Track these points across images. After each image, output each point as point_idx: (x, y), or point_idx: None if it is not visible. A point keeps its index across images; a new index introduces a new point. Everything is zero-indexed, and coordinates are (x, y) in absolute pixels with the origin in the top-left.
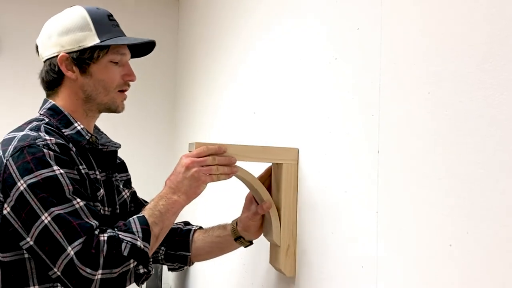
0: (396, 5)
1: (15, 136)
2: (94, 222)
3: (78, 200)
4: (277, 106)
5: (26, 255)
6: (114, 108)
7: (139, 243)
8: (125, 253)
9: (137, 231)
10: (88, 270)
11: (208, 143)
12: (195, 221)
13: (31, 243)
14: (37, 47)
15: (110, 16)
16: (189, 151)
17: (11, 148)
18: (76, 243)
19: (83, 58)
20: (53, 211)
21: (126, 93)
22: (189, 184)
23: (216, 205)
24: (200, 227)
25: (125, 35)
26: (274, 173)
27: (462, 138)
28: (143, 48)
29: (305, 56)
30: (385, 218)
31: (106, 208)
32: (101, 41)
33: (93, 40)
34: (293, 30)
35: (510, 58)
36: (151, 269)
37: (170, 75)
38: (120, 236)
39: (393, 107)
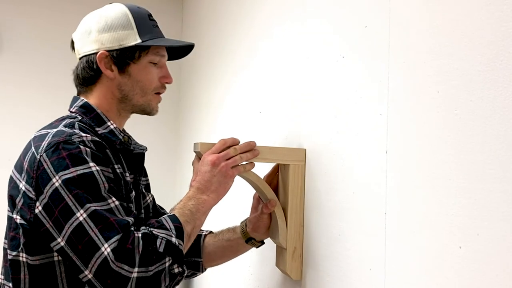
0: (405, 2)
1: (48, 133)
2: (130, 219)
3: (114, 199)
4: (283, 105)
5: (56, 258)
6: (149, 111)
7: (174, 239)
8: (161, 249)
9: (171, 228)
10: (126, 267)
11: (212, 143)
12: (205, 223)
13: (62, 243)
14: (72, 42)
15: (150, 16)
16: (194, 151)
17: (45, 143)
18: (113, 239)
19: (123, 57)
20: (89, 207)
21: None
22: (218, 182)
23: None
24: (210, 232)
25: (164, 36)
26: (281, 174)
27: (472, 138)
28: (180, 51)
29: (312, 55)
30: (393, 220)
31: (135, 211)
32: (142, 41)
33: (134, 39)
34: (300, 28)
35: None
36: (185, 268)
37: (174, 75)
38: (154, 232)
39: (401, 107)
